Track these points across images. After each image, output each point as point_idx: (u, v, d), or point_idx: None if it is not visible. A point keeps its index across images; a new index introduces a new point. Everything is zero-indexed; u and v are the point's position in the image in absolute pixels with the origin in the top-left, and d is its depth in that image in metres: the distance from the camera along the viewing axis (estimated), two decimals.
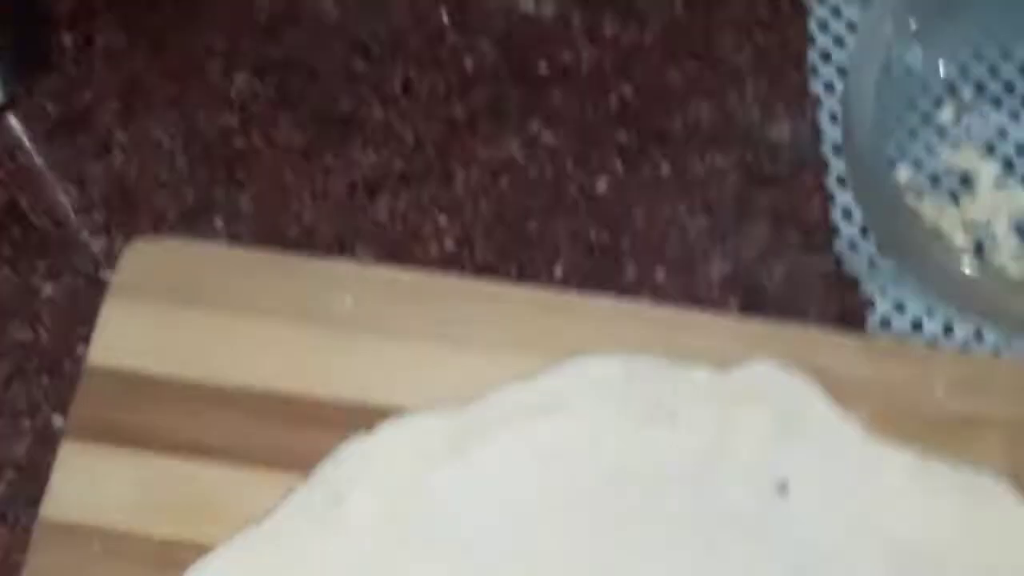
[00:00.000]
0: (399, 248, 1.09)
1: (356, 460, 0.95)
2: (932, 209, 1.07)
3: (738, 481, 0.95)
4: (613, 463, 0.95)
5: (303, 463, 0.97)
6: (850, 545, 0.93)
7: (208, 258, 1.04)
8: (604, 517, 0.94)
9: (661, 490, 0.95)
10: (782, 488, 0.94)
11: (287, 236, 1.09)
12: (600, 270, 1.08)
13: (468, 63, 1.18)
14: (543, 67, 1.17)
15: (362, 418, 0.98)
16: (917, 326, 1.04)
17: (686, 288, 1.06)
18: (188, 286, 1.02)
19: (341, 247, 1.09)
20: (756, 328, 1.00)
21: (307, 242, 1.09)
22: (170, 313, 1.01)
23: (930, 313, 1.03)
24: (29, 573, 0.92)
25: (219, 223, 1.09)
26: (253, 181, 1.11)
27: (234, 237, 1.08)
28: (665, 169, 1.12)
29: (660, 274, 1.08)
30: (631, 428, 0.96)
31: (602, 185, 1.13)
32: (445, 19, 1.18)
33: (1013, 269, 1.05)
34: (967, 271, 1.02)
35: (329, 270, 1.04)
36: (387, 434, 0.95)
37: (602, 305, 1.04)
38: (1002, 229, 1.06)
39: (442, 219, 1.11)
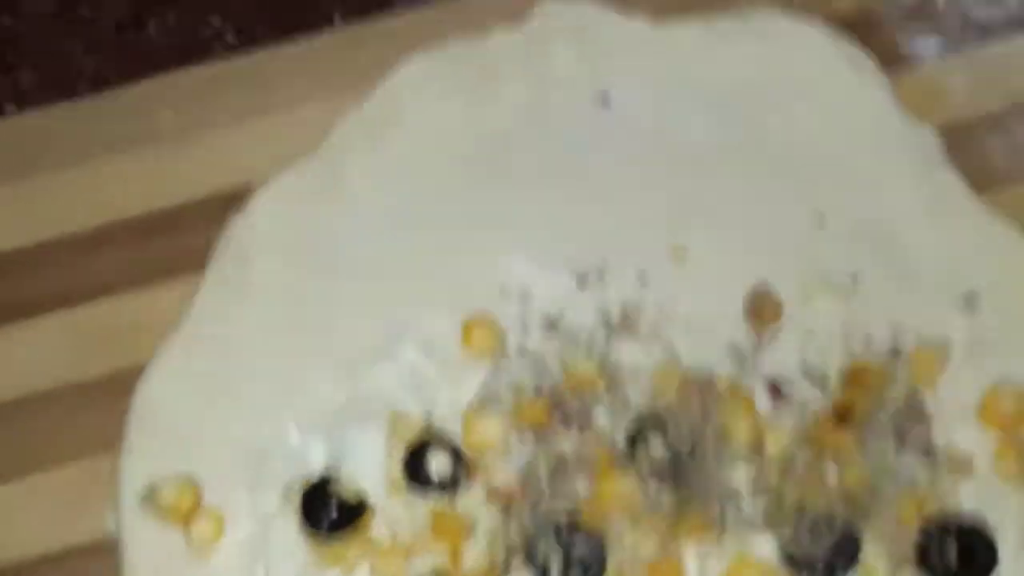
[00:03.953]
0: (189, 57, 1.18)
1: (243, 232, 1.06)
2: None
3: (567, 107, 1.09)
4: (466, 137, 1.09)
5: (198, 262, 1.06)
6: (671, 114, 1.09)
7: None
8: (473, 184, 1.08)
9: (508, 140, 1.08)
10: (604, 98, 1.09)
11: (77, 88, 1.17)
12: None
13: None
14: None
15: (234, 203, 1.08)
16: None
17: None
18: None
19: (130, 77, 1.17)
20: None
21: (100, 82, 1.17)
22: None
23: None
24: None
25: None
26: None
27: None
28: None
29: None
30: (464, 107, 1.09)
31: None
32: None
33: None
34: None
35: (140, 94, 1.14)
36: (261, 200, 1.07)
37: (385, 25, 1.16)
38: None
39: (214, 19, 1.20)
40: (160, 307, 1.06)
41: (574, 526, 0.92)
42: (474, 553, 0.94)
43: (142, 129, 1.12)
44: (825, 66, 1.08)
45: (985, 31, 1.10)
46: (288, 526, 0.96)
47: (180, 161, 1.11)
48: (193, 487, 0.98)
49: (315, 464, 0.98)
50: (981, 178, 1.06)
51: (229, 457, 1.00)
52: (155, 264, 1.08)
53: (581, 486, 0.95)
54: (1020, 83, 1.09)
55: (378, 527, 0.96)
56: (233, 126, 1.12)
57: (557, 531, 0.92)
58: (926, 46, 1.10)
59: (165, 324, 1.04)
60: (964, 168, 1.06)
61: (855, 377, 0.99)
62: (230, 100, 1.13)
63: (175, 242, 1.09)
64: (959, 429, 0.98)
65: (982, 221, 1.04)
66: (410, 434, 0.97)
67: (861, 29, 1.11)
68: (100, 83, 1.16)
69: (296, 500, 0.96)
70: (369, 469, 0.97)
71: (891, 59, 1.10)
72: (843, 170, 1.06)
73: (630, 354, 1.01)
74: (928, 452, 0.97)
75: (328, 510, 0.95)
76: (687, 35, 1.10)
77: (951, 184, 1.05)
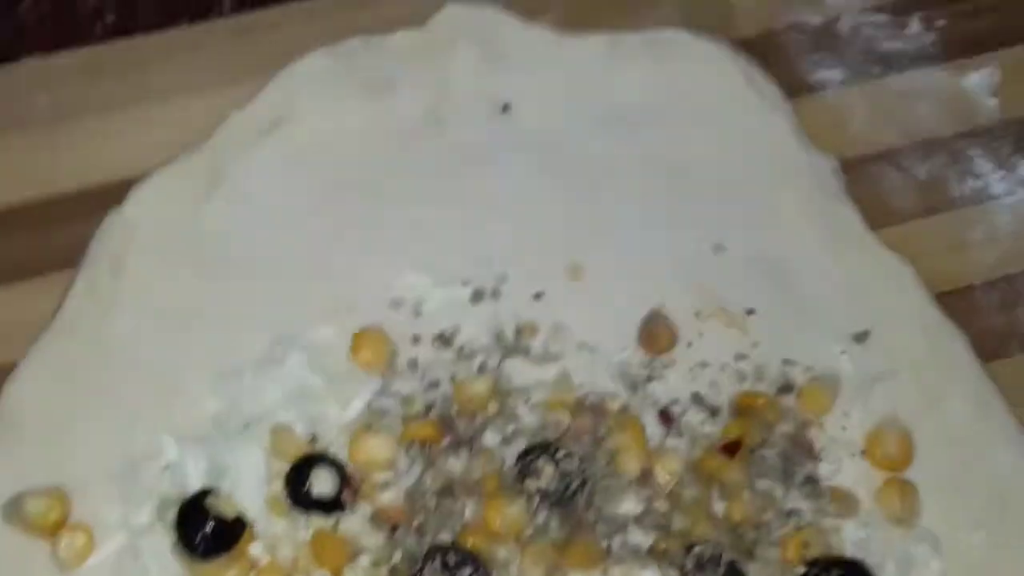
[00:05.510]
0: (64, 37, 1.14)
1: (119, 230, 1.04)
2: None
3: (466, 115, 1.09)
4: (361, 140, 1.08)
5: (69, 259, 1.04)
6: (572, 128, 1.11)
7: None
8: (367, 189, 1.08)
9: (405, 146, 1.08)
10: (505, 108, 1.10)
11: None
12: None
13: None
14: None
15: (110, 197, 1.06)
16: None
17: None
18: None
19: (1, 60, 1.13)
20: None
21: None
22: None
23: None
24: None
25: None
26: None
27: None
28: None
29: None
30: (360, 108, 1.08)
31: None
32: None
33: None
34: None
35: (11, 78, 1.12)
36: (139, 196, 1.05)
37: (276, 15, 1.15)
38: None
39: None
40: (29, 307, 1.04)
41: (460, 551, 0.92)
42: None
43: (13, 115, 1.09)
44: (727, 89, 1.11)
45: (888, 63, 1.13)
46: (162, 543, 0.95)
47: (53, 150, 1.09)
48: (62, 498, 0.97)
49: (192, 479, 0.97)
50: (876, 213, 1.08)
51: (101, 468, 0.98)
52: (24, 261, 1.06)
53: (468, 510, 0.96)
54: (919, 118, 1.12)
55: (257, 547, 0.94)
56: (112, 115, 1.10)
57: (443, 556, 0.92)
58: (829, 75, 1.12)
59: (34, 325, 1.02)
60: (860, 202, 1.08)
61: (745, 409, 1.01)
62: (108, 87, 1.11)
63: (46, 237, 1.07)
64: (845, 466, 1.02)
65: (876, 258, 1.08)
66: (294, 450, 0.96)
67: (765, 54, 1.13)
68: None
69: (171, 515, 0.94)
70: (250, 486, 0.96)
71: (794, 86, 1.11)
72: (742, 197, 1.09)
73: (523, 374, 1.01)
74: (814, 488, 1.00)
75: (204, 527, 0.93)
76: (592, 48, 1.11)
77: (848, 218, 1.09)
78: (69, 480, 0.98)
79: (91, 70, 1.11)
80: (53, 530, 0.96)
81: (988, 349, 1.05)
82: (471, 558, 0.92)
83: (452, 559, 0.92)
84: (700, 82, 1.11)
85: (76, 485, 0.98)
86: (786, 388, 1.03)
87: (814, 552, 0.97)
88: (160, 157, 1.06)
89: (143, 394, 1.00)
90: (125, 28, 1.14)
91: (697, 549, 0.95)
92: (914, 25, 1.14)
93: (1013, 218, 1.09)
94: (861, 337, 1.04)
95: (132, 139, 1.08)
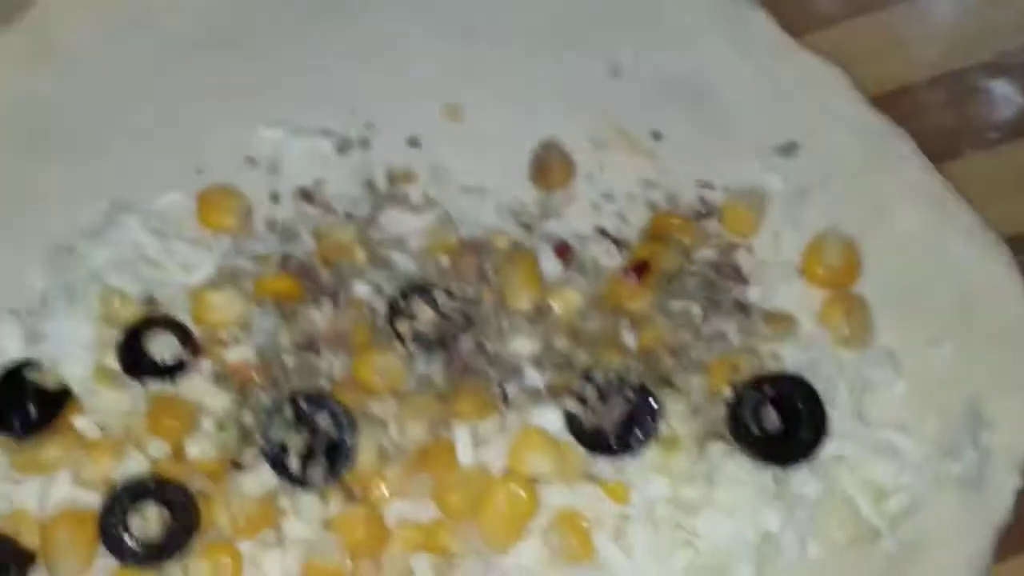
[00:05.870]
0: None
1: None
2: None
3: None
4: None
5: None
6: None
7: None
8: (214, 40, 0.99)
9: None
10: None
11: None
12: None
13: None
14: None
15: None
16: None
17: None
18: None
19: None
20: None
21: None
22: None
23: None
24: None
25: None
26: None
27: None
28: None
29: None
30: None
31: None
32: None
33: None
34: None
35: None
36: None
37: None
38: None
39: None
40: None
41: (315, 396, 0.77)
42: (201, 445, 0.78)
43: None
44: None
45: None
46: None
47: None
48: None
49: (6, 350, 0.83)
50: (798, 19, 0.96)
51: None
52: None
53: (336, 366, 0.81)
54: None
55: (84, 422, 0.80)
56: None
57: (295, 404, 0.77)
58: None
59: None
60: (779, 8, 0.95)
61: (657, 230, 0.87)
62: None
63: None
64: (780, 289, 0.86)
65: (797, 64, 0.95)
66: (126, 314, 0.83)
67: None
68: None
69: None
70: (74, 355, 0.83)
71: None
72: (639, 12, 0.95)
73: (400, 223, 0.88)
74: (742, 311, 0.84)
75: (23, 404, 0.79)
76: None
77: (760, 24, 0.96)
78: None
79: None
80: None
81: (938, 150, 0.89)
82: (327, 401, 0.77)
83: (305, 406, 0.77)
84: None
85: None
86: (705, 212, 0.88)
87: (744, 376, 0.80)
88: None
89: None
90: None
91: (597, 376, 0.78)
92: None
93: (951, 8, 0.94)
94: (788, 149, 0.90)
95: None
